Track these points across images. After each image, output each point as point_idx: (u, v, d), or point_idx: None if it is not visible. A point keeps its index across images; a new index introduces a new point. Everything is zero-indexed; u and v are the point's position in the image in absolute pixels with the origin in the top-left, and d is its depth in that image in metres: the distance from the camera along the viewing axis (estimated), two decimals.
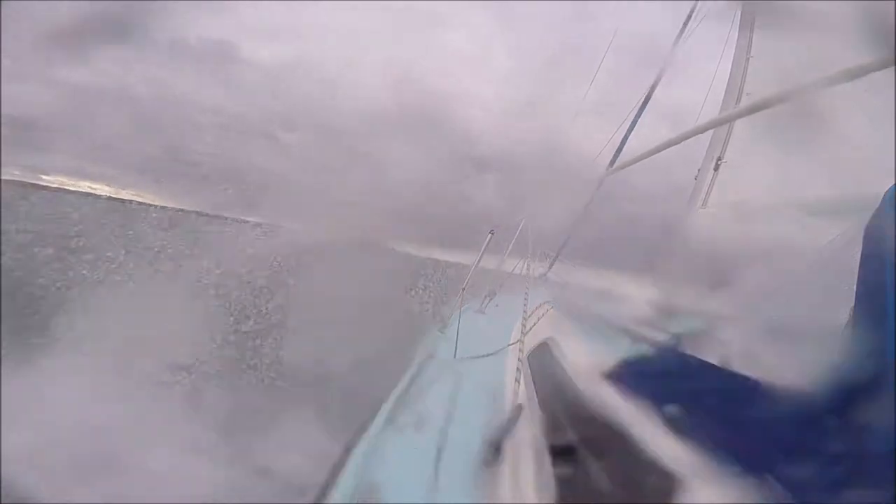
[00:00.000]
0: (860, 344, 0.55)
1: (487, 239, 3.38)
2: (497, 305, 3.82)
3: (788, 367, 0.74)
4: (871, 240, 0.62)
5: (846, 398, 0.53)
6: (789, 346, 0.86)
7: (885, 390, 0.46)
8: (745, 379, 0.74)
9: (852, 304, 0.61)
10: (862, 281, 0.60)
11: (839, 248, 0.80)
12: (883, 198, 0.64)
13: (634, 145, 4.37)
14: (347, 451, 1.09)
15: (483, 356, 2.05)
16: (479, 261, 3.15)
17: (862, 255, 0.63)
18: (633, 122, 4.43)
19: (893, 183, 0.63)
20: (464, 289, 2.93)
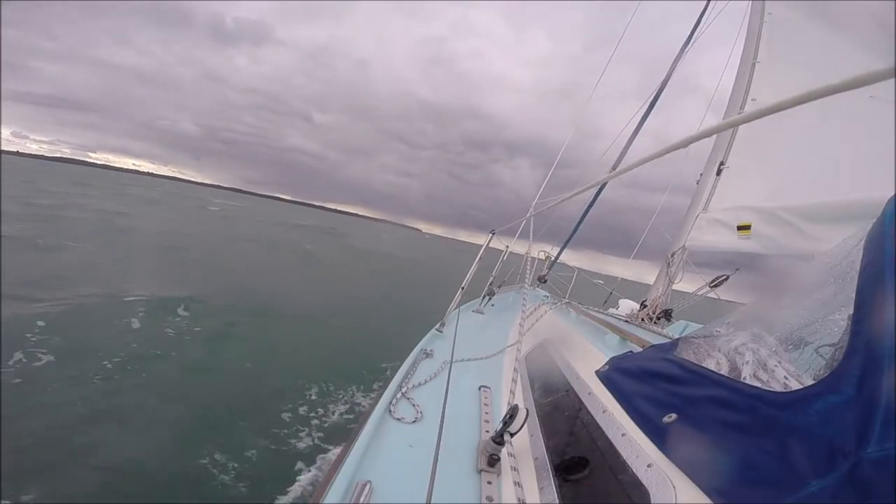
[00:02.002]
0: (858, 353, 0.55)
1: (488, 238, 3.38)
2: (494, 305, 3.82)
3: (785, 373, 0.75)
4: (872, 249, 0.63)
5: (844, 407, 0.53)
6: (786, 353, 0.86)
7: (884, 399, 0.47)
8: (738, 384, 0.75)
9: (851, 312, 0.62)
10: (861, 289, 0.60)
11: (839, 255, 0.80)
12: (885, 206, 0.64)
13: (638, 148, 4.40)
14: (345, 448, 1.09)
15: (481, 358, 2.05)
16: (478, 260, 3.15)
17: (862, 263, 0.63)
18: (639, 125, 4.43)
19: (895, 191, 0.63)
20: (463, 288, 2.92)
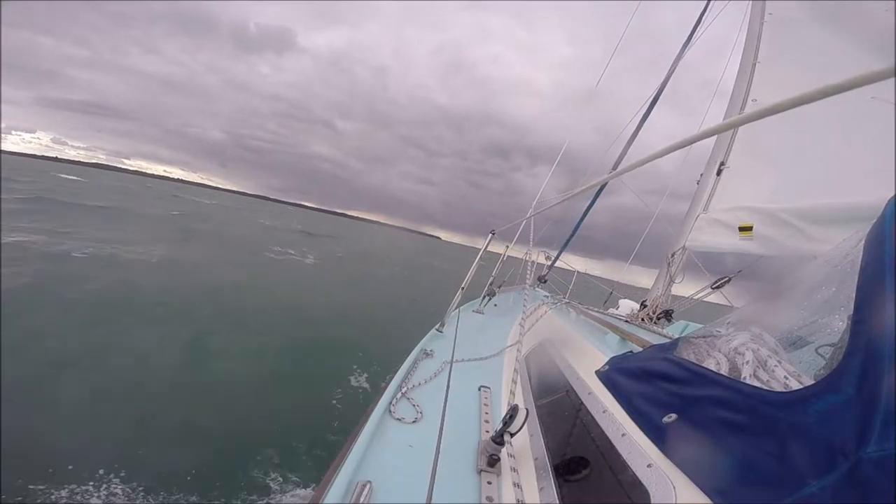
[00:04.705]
0: (858, 353, 0.55)
1: (488, 239, 3.38)
2: (496, 305, 3.82)
3: (785, 373, 0.75)
4: (872, 248, 0.62)
5: (844, 407, 0.53)
6: (786, 353, 0.86)
7: (884, 399, 0.47)
8: (738, 384, 0.75)
9: (851, 312, 0.62)
10: (861, 289, 0.60)
11: (839, 255, 0.80)
12: (885, 207, 0.64)
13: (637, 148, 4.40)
14: (345, 448, 1.09)
15: (481, 358, 2.05)
16: (478, 261, 3.15)
17: (862, 263, 0.63)
18: (639, 125, 4.43)
19: (895, 192, 0.63)
20: (463, 288, 2.92)
